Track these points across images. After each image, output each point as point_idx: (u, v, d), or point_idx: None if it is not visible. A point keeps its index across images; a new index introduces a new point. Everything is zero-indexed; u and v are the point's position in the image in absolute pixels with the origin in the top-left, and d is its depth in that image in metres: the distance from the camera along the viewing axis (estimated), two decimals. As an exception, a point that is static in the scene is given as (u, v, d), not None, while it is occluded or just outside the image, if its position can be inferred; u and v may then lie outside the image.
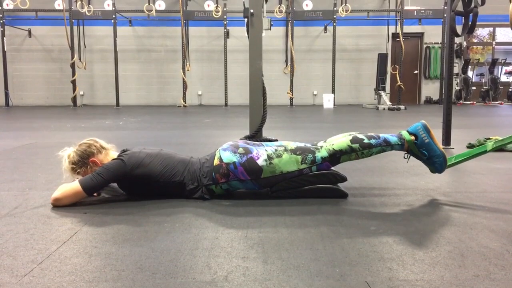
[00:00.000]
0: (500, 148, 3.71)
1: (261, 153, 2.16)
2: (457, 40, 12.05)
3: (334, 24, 12.30)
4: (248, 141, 2.32)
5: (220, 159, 2.15)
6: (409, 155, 2.29)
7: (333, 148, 2.18)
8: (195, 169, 2.18)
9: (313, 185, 2.19)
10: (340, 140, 2.21)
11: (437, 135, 4.21)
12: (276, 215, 1.92)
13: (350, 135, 2.23)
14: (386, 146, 2.21)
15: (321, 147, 2.22)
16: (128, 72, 13.18)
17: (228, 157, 2.15)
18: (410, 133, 2.25)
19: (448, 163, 2.31)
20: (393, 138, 2.23)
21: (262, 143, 2.31)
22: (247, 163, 2.12)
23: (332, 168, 2.24)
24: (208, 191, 2.16)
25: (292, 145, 2.23)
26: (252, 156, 2.14)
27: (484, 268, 1.33)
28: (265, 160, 2.13)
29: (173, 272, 1.31)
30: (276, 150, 2.18)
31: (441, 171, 2.25)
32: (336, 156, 2.18)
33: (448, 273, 1.30)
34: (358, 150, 2.18)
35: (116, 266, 1.36)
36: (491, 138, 3.89)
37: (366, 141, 2.19)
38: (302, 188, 2.19)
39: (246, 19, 3.46)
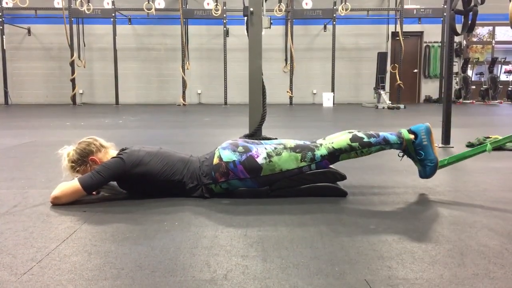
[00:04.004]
0: (499, 147, 3.73)
1: (260, 151, 2.15)
2: (456, 39, 12.05)
3: (334, 22, 12.29)
4: (248, 140, 2.32)
5: (220, 158, 2.15)
6: (403, 154, 2.29)
7: (332, 147, 2.18)
8: (195, 167, 2.18)
9: (312, 184, 2.19)
10: (340, 139, 2.20)
11: (437, 134, 4.21)
12: (275, 213, 1.92)
13: (350, 133, 2.23)
14: (385, 145, 2.21)
15: (320, 144, 2.21)
16: (127, 71, 13.17)
17: (228, 156, 2.14)
18: (411, 132, 2.25)
19: (440, 164, 2.31)
20: (392, 137, 2.23)
21: (261, 141, 2.31)
22: (247, 161, 2.12)
23: (330, 166, 2.25)
24: (208, 190, 2.16)
25: (291, 143, 2.22)
26: (252, 154, 2.14)
27: (484, 267, 1.33)
28: (265, 158, 2.13)
29: (172, 271, 1.31)
30: (275, 148, 2.18)
31: (429, 176, 2.24)
32: (336, 155, 2.18)
33: (447, 272, 1.30)
34: (358, 149, 2.18)
35: (116, 264, 1.36)
36: (491, 137, 3.89)
37: (365, 139, 2.18)
38: (302, 186, 2.19)
39: (245, 18, 3.46)
